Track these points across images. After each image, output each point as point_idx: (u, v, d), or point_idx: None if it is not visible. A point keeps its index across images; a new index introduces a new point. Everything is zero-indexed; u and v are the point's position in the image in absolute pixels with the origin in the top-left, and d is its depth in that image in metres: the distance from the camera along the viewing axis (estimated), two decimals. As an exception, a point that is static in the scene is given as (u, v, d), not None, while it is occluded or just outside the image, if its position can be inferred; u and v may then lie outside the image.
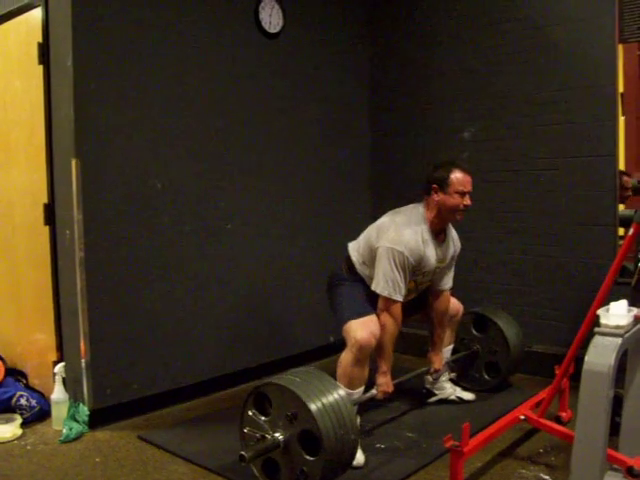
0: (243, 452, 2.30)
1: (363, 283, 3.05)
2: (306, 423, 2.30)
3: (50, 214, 3.38)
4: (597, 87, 3.66)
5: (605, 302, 2.19)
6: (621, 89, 3.66)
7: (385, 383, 2.98)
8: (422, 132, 4.48)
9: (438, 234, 3.05)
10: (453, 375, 3.64)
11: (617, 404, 2.33)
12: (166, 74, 3.50)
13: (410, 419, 3.30)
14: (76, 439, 3.12)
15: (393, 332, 2.92)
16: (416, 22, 4.48)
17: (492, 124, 4.12)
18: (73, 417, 3.22)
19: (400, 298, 2.89)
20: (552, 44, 3.81)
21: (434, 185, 2.96)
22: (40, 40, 3.32)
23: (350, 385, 2.85)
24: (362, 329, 2.84)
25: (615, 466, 2.30)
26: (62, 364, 3.33)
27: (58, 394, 3.27)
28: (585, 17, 3.67)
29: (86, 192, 3.18)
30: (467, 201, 2.96)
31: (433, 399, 3.48)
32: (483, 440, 2.61)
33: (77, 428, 3.15)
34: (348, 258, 3.13)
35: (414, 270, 2.93)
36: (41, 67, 3.32)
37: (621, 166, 3.68)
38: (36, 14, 3.35)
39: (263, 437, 2.40)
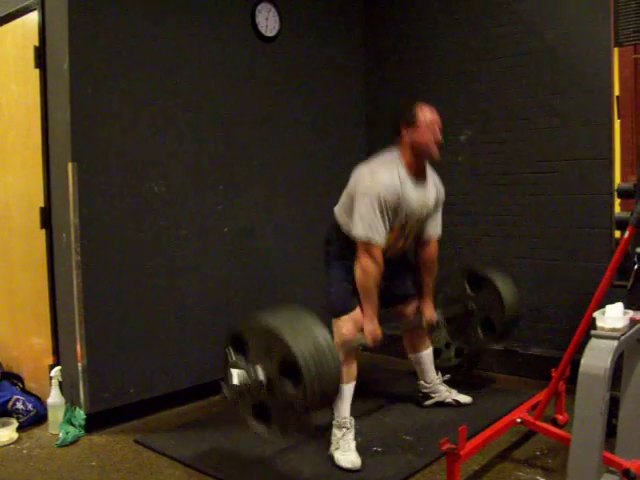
0: (224, 390, 2.28)
1: (351, 256, 2.95)
2: (281, 351, 2.25)
3: (46, 217, 3.38)
4: (593, 91, 3.67)
5: (601, 305, 2.19)
6: (617, 92, 3.67)
7: (373, 328, 2.92)
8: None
9: (417, 175, 2.97)
10: (447, 377, 3.63)
11: (613, 406, 2.34)
12: (162, 78, 3.50)
13: (406, 422, 3.30)
14: (73, 443, 3.12)
15: (375, 275, 2.85)
16: (412, 26, 4.49)
17: (488, 127, 4.12)
18: (69, 421, 3.21)
19: (379, 240, 2.81)
20: (548, 48, 3.82)
21: (402, 123, 2.92)
22: (36, 43, 3.32)
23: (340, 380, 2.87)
24: (347, 323, 2.91)
25: (612, 468, 2.31)
26: (58, 368, 3.33)
27: (54, 398, 3.26)
28: (581, 21, 3.68)
29: (82, 195, 3.18)
30: (438, 135, 2.92)
31: (429, 402, 3.47)
32: (480, 443, 2.62)
33: (74, 432, 3.15)
34: (335, 221, 3.09)
35: (395, 210, 2.86)
36: (37, 70, 3.33)
37: (617, 169, 3.69)
38: (32, 17, 3.35)
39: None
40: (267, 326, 2.30)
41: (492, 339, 3.53)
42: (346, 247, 2.98)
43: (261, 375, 2.30)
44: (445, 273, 3.57)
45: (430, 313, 3.33)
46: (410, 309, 3.36)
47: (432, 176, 3.13)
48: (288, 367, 2.25)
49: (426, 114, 2.90)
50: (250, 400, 2.36)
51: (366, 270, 2.84)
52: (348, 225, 2.97)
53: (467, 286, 3.57)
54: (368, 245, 2.82)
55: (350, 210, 2.92)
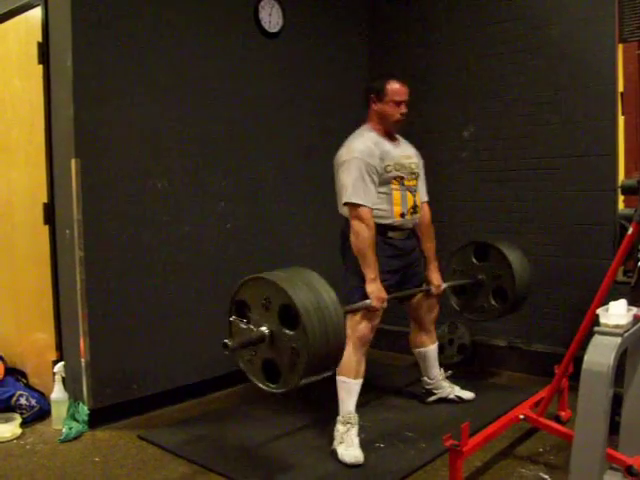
0: (227, 340, 2.27)
1: None
2: (279, 299, 2.25)
3: (50, 213, 3.38)
4: (597, 86, 3.65)
5: (604, 301, 2.19)
6: (621, 88, 3.66)
7: (376, 289, 2.91)
8: (422, 131, 4.47)
9: (389, 137, 3.09)
10: (449, 373, 3.63)
11: (617, 403, 2.33)
12: (166, 73, 3.50)
13: (409, 418, 3.30)
14: (76, 439, 3.12)
15: (368, 237, 2.87)
16: (415, 21, 4.47)
17: (492, 124, 4.11)
18: (73, 416, 3.22)
19: (367, 202, 2.88)
20: (552, 43, 3.80)
21: (371, 95, 3.05)
22: (40, 40, 3.31)
23: (348, 374, 2.90)
24: (364, 322, 2.92)
25: (615, 465, 2.30)
26: (62, 363, 3.33)
27: (58, 393, 3.27)
28: (585, 16, 3.67)
29: (86, 191, 3.18)
30: (403, 109, 3.04)
31: (432, 398, 3.47)
32: (482, 439, 2.62)
33: (77, 427, 3.15)
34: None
35: (382, 167, 2.95)
36: (41, 67, 3.32)
37: (621, 165, 3.68)
38: (36, 13, 3.35)
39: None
40: (264, 279, 2.32)
41: (505, 307, 3.52)
42: None
43: (263, 328, 2.30)
44: (453, 249, 3.61)
45: (437, 279, 3.33)
46: (414, 301, 3.36)
47: (406, 142, 3.24)
48: (288, 313, 2.25)
49: (395, 89, 3.02)
50: (257, 360, 2.37)
51: (359, 233, 2.88)
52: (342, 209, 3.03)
53: (474, 258, 3.59)
54: (357, 209, 2.88)
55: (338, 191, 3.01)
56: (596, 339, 2.03)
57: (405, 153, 3.13)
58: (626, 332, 2.03)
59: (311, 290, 2.29)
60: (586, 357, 2.00)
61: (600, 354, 1.98)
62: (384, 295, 2.93)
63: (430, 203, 3.37)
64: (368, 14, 4.73)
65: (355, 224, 2.88)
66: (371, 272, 2.90)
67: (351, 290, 2.98)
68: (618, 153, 3.64)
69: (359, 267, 2.93)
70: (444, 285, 3.39)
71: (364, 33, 4.74)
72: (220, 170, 3.79)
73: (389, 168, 2.98)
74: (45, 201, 3.39)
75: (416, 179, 3.16)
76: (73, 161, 3.15)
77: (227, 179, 3.83)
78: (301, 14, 4.25)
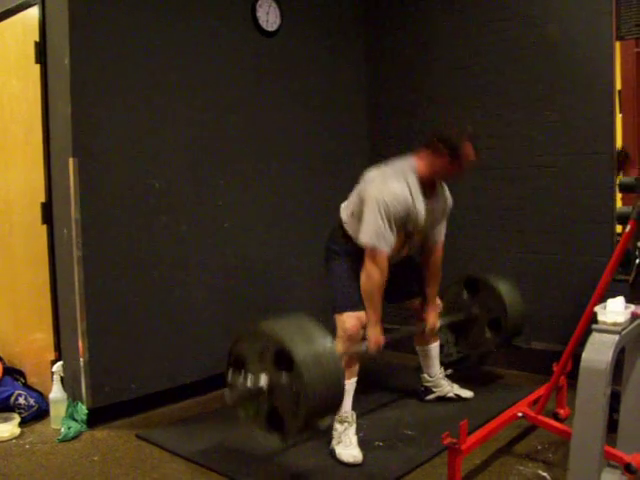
0: (227, 395, 2.32)
1: (355, 255, 2.97)
2: (273, 346, 2.26)
3: (47, 213, 3.38)
4: (594, 85, 3.65)
5: (602, 299, 2.19)
6: (619, 87, 3.66)
7: (376, 334, 2.91)
8: (419, 130, 4.48)
9: (428, 187, 2.96)
10: (449, 372, 3.64)
11: (615, 401, 2.34)
12: (163, 72, 3.49)
13: (408, 417, 3.30)
14: (74, 438, 3.12)
15: (380, 282, 2.86)
16: (413, 19, 4.47)
17: (489, 122, 4.11)
18: (71, 416, 3.22)
19: (386, 248, 2.82)
20: (549, 41, 3.80)
21: (441, 144, 2.84)
22: (37, 39, 3.31)
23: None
24: (351, 319, 2.90)
25: (613, 463, 2.30)
26: (60, 363, 3.33)
27: (56, 393, 3.27)
28: (582, 14, 3.66)
29: (83, 191, 3.18)
30: (463, 172, 2.94)
31: (431, 397, 3.48)
32: (481, 437, 2.62)
33: (75, 427, 3.15)
34: (340, 219, 3.11)
35: (403, 221, 2.86)
36: (38, 66, 3.32)
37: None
38: (33, 13, 3.34)
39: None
40: (258, 331, 2.36)
41: (501, 339, 3.57)
42: (350, 244, 3.00)
43: (261, 378, 2.32)
44: (443, 286, 3.58)
45: (433, 320, 3.34)
46: (416, 303, 3.38)
47: (443, 187, 3.14)
48: (283, 358, 2.26)
49: (469, 154, 2.87)
50: (259, 411, 2.39)
51: (371, 276, 2.85)
52: (353, 225, 2.99)
53: (466, 292, 3.65)
54: (374, 252, 2.83)
55: (357, 209, 2.94)
56: (594, 337, 2.03)
57: (432, 210, 3.01)
58: (624, 330, 2.03)
59: (302, 330, 2.33)
60: (584, 355, 2.01)
61: (598, 352, 1.98)
62: (382, 341, 2.94)
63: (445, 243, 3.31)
64: (365, 12, 4.73)
65: (369, 266, 2.85)
66: (374, 315, 2.91)
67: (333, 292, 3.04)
68: (615, 151, 3.64)
69: (340, 270, 2.99)
70: (439, 324, 3.40)
71: (361, 32, 4.73)
72: (217, 169, 3.79)
73: (408, 225, 2.91)
74: (43, 200, 3.39)
75: (427, 231, 3.12)
76: (71, 160, 3.14)
77: (224, 178, 3.82)
78: (298, 13, 4.24)
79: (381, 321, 2.94)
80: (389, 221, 2.79)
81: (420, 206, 2.90)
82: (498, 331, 3.54)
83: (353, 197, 3.03)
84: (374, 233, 2.80)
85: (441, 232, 3.24)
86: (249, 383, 2.35)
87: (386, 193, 2.78)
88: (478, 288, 3.61)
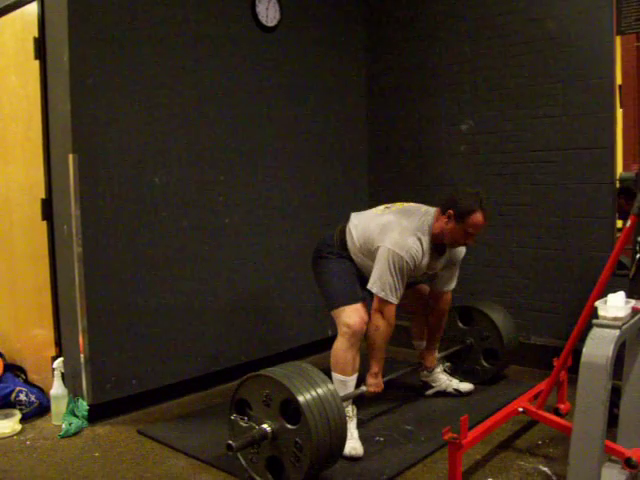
0: (230, 441, 2.33)
1: (349, 259, 3.09)
2: (279, 394, 2.29)
3: (48, 209, 3.37)
4: (595, 79, 3.65)
5: (603, 294, 2.19)
6: (619, 81, 3.65)
7: (375, 384, 3.01)
8: (420, 125, 4.48)
9: (439, 247, 3.04)
10: (447, 366, 3.64)
11: (615, 396, 2.34)
12: (163, 68, 3.49)
13: (408, 412, 3.31)
14: (75, 434, 3.13)
15: (386, 334, 2.93)
16: (413, 15, 4.46)
17: (490, 117, 4.11)
18: (72, 412, 3.22)
19: (395, 300, 2.89)
20: (550, 36, 3.79)
21: (451, 210, 2.92)
22: (36, 35, 3.30)
23: (344, 372, 2.91)
24: (353, 314, 2.91)
25: (613, 457, 2.31)
26: (61, 359, 3.33)
27: (57, 389, 3.27)
28: (583, 9, 3.66)
29: (84, 187, 3.18)
30: (470, 241, 2.98)
31: (430, 392, 3.48)
32: (482, 432, 2.62)
33: (76, 423, 3.16)
34: (343, 232, 3.13)
35: (413, 271, 2.95)
36: (37, 62, 3.31)
37: (619, 158, 3.68)
38: (32, 9, 3.33)
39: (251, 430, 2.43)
40: (263, 376, 2.39)
41: (497, 365, 3.64)
42: (346, 254, 3.10)
43: (265, 425, 2.37)
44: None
45: (431, 362, 3.44)
46: (424, 288, 3.44)
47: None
48: (289, 408, 2.32)
49: (477, 223, 2.91)
50: (261, 458, 2.44)
51: (379, 328, 2.91)
52: (356, 255, 3.07)
53: (460, 323, 3.74)
54: (384, 304, 2.88)
55: (366, 250, 3.01)
56: (595, 332, 2.03)
57: (435, 264, 3.08)
58: (624, 324, 2.03)
59: (309, 383, 2.36)
60: (585, 350, 2.01)
61: (599, 346, 1.98)
62: (380, 389, 3.03)
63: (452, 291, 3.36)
64: (365, 7, 4.72)
65: (377, 318, 2.90)
66: (376, 366, 2.99)
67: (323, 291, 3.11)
68: (616, 146, 3.63)
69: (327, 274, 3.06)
70: (435, 364, 3.49)
71: (362, 27, 4.73)
72: (218, 165, 3.78)
73: (416, 273, 3.01)
74: (43, 197, 3.39)
75: (421, 277, 3.23)
76: (71, 157, 3.14)
77: (225, 174, 3.82)
78: (298, 8, 4.24)
79: (382, 371, 3.03)
80: (401, 275, 2.87)
81: (425, 262, 2.98)
82: (495, 359, 3.63)
83: (364, 232, 3.04)
84: (387, 286, 2.86)
85: (451, 281, 3.29)
86: (253, 429, 2.40)
87: (403, 249, 2.86)
88: (472, 317, 3.71)
